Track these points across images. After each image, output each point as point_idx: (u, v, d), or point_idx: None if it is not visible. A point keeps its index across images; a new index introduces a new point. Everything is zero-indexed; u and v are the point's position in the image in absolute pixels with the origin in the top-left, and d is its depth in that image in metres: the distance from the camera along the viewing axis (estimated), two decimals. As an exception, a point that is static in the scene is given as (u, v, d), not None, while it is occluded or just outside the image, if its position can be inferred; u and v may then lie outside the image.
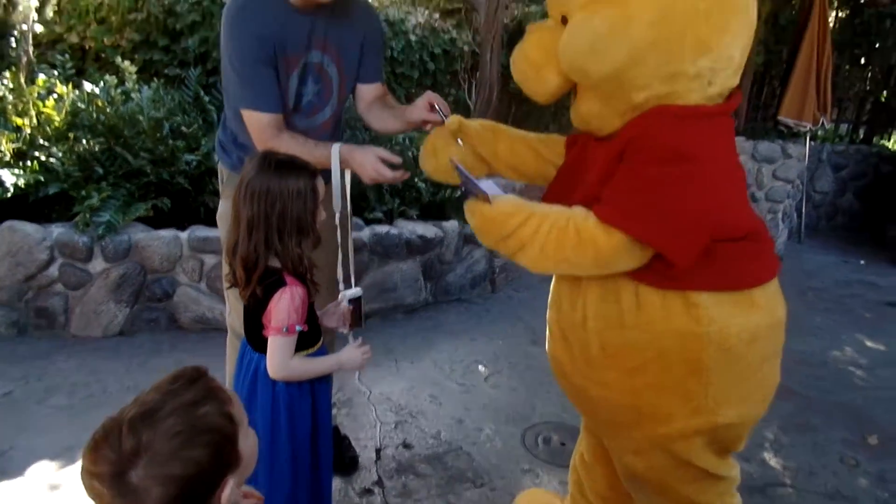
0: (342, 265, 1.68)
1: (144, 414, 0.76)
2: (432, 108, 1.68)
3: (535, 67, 1.35)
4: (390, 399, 2.64)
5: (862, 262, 5.49)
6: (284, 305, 1.31)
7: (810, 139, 5.77)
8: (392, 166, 1.63)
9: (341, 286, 1.65)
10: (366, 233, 3.43)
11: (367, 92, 1.90)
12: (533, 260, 1.28)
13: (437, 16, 5.56)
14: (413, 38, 4.95)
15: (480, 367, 2.99)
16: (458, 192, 1.43)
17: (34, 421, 2.28)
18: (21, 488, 1.94)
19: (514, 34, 5.82)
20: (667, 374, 1.29)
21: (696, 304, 1.26)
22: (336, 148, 1.63)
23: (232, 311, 1.96)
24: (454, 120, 1.59)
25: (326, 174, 1.71)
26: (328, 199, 1.86)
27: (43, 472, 2.01)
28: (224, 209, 1.92)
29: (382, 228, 3.50)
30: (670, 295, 1.27)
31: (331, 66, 1.76)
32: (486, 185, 1.35)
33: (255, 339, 1.40)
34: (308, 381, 1.42)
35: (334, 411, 2.22)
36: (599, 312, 1.33)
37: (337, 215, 1.65)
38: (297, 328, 1.34)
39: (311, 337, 1.43)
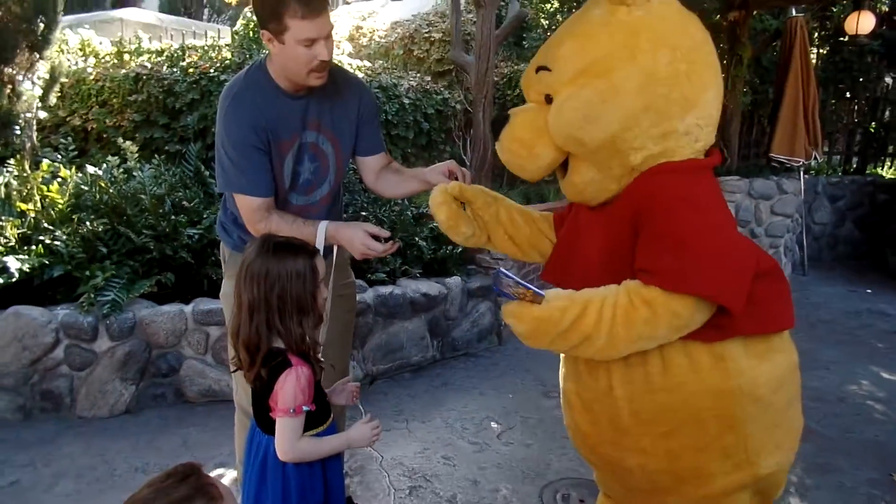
0: (325, 332, 1.69)
1: None
2: (451, 175, 1.74)
3: (527, 146, 1.37)
4: (403, 464, 2.58)
5: (868, 290, 5.46)
6: (290, 387, 1.31)
7: (804, 173, 5.84)
8: (381, 238, 1.65)
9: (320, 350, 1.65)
10: (369, 294, 3.44)
11: (373, 163, 1.96)
12: (601, 348, 1.24)
13: (428, 78, 5.73)
14: (406, 100, 5.09)
15: (493, 424, 2.94)
16: (493, 287, 1.39)
17: (41, 509, 2.23)
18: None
19: (505, 91, 5.99)
20: (703, 434, 1.28)
21: (723, 356, 1.26)
22: (322, 226, 1.66)
23: (239, 388, 1.95)
24: (455, 186, 1.62)
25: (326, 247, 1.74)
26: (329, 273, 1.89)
27: (50, 563, 1.96)
28: (227, 289, 1.94)
29: (386, 289, 3.51)
30: (696, 350, 1.26)
31: (326, 144, 1.80)
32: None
33: (264, 420, 1.39)
34: (319, 460, 1.40)
35: (347, 481, 2.18)
36: (625, 378, 1.31)
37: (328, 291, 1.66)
38: (305, 408, 1.33)
39: (319, 415, 1.42)
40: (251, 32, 5.21)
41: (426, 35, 6.21)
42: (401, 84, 5.20)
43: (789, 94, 5.48)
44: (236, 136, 1.67)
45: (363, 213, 3.84)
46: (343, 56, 5.32)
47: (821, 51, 7.13)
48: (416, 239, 3.85)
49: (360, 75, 5.07)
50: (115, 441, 2.71)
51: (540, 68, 1.37)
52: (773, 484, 1.36)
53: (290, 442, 1.34)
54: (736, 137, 5.76)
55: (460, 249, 4.04)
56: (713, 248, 1.21)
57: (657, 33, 1.27)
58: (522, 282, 1.25)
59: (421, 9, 6.67)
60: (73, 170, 3.49)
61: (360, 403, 2.87)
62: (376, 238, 1.63)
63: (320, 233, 1.65)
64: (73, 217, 3.17)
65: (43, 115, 4.41)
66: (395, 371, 3.53)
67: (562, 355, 1.53)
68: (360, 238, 1.62)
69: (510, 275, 1.25)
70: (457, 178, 1.73)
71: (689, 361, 1.26)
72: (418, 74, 5.65)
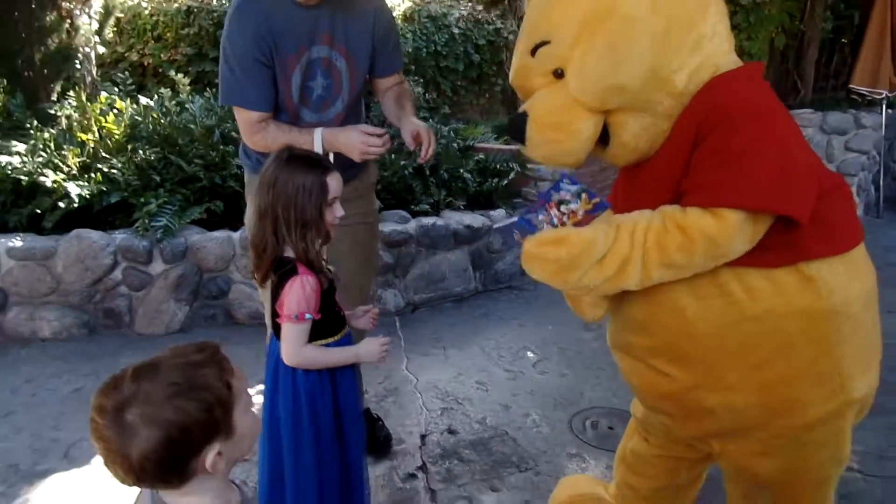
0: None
1: (150, 366, 0.82)
2: (416, 140, 1.70)
3: (563, 128, 1.24)
4: (437, 387, 2.64)
5: (949, 234, 5.06)
6: (295, 294, 1.35)
7: (888, 107, 5.38)
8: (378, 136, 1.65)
9: None
10: (412, 225, 3.45)
11: (383, 83, 1.93)
12: (635, 279, 1.15)
13: (480, 7, 5.53)
14: (456, 30, 4.95)
15: (529, 354, 2.96)
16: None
17: (101, 413, 2.41)
18: (88, 477, 2.06)
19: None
20: (797, 361, 1.20)
21: (811, 277, 1.17)
22: (318, 133, 1.66)
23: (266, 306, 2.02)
24: None
25: (349, 171, 1.73)
26: (353, 199, 1.88)
27: (107, 459, 2.14)
28: (249, 212, 1.98)
29: (429, 220, 3.52)
30: (780, 274, 1.17)
31: (339, 60, 1.77)
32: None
33: (276, 327, 1.44)
34: (328, 371, 1.45)
35: (372, 400, 2.24)
36: (702, 313, 1.21)
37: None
38: (308, 316, 1.36)
39: (330, 327, 1.46)
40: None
41: (479, -38, 5.99)
42: (451, 13, 5.05)
43: (876, 17, 5.00)
44: (238, 46, 1.65)
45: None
46: (391, -16, 5.19)
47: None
48: (462, 171, 3.81)
49: (408, 4, 4.95)
50: (170, 357, 2.89)
51: (535, 47, 1.26)
52: (861, 408, 1.29)
53: (293, 347, 1.38)
54: (812, 67, 5.35)
55: (506, 182, 3.98)
56: (771, 153, 1.11)
57: None
58: (584, 186, 1.06)
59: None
60: (129, 102, 3.61)
61: (399, 330, 2.93)
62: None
63: (317, 139, 1.66)
64: (129, 147, 3.30)
65: (102, 50, 4.55)
66: (436, 301, 3.57)
67: (614, 311, 1.46)
68: (357, 138, 1.63)
69: (573, 179, 1.05)
70: (420, 146, 1.69)
71: (772, 285, 1.17)
72: (469, 3, 5.46)
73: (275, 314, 1.42)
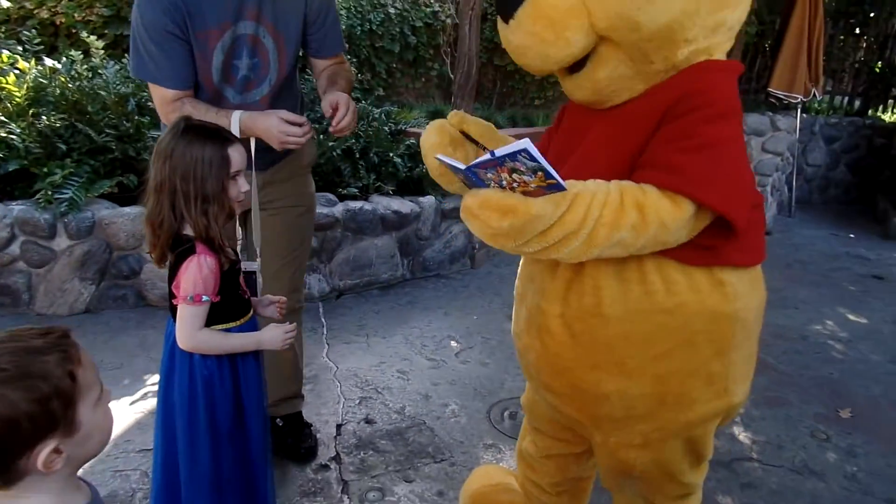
0: (251, 235, 1.63)
1: None
2: (334, 110, 1.64)
3: (557, 27, 1.11)
4: (357, 375, 2.60)
5: (851, 235, 5.42)
6: (191, 274, 1.28)
7: (802, 111, 5.67)
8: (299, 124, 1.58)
9: (242, 256, 1.59)
10: (339, 208, 3.37)
11: (318, 65, 1.85)
12: (574, 249, 1.07)
13: (420, -12, 5.43)
14: (393, 10, 4.84)
15: (452, 343, 2.95)
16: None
17: (-10, 400, 2.24)
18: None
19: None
20: (694, 358, 1.21)
21: (722, 281, 1.19)
22: (236, 116, 1.57)
23: None
24: (456, 117, 1.39)
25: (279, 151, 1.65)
26: (284, 181, 1.79)
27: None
28: None
29: (356, 204, 3.44)
30: (697, 273, 1.18)
31: (266, 38, 1.66)
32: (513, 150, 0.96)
33: (173, 309, 1.36)
34: (229, 358, 1.38)
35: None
36: (619, 297, 1.20)
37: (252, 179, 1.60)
38: (205, 298, 1.29)
39: (232, 311, 1.39)
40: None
41: (420, -59, 5.87)
42: (388, -8, 4.93)
43: (794, 25, 5.24)
44: (148, 17, 1.53)
45: (337, 125, 3.71)
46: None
47: (836, -18, 6.78)
48: (392, 155, 3.75)
49: (344, -21, 4.80)
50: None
51: None
52: (729, 415, 1.34)
53: (188, 330, 1.32)
54: (736, 70, 5.53)
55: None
56: (730, 156, 1.10)
57: None
58: (545, 164, 0.94)
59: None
60: (33, 63, 3.34)
61: (322, 317, 2.86)
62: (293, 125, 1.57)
63: (234, 122, 1.56)
64: (30, 111, 3.05)
65: (7, 4, 4.18)
66: (362, 287, 3.51)
67: (521, 273, 1.45)
68: (276, 125, 1.55)
69: (534, 154, 0.92)
70: (335, 113, 1.63)
71: (689, 282, 1.18)
72: (408, -17, 5.36)
73: (171, 295, 1.35)
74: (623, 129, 1.18)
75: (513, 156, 0.94)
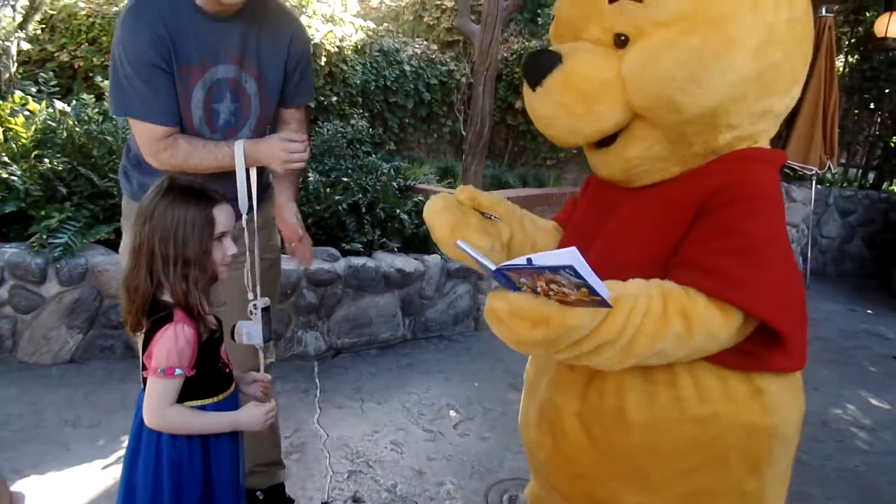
0: (249, 272, 1.51)
1: None
2: (294, 247, 1.80)
3: (588, 101, 1.04)
4: (348, 445, 2.44)
5: (869, 311, 5.25)
6: (165, 344, 1.17)
7: (817, 183, 5.61)
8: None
9: (249, 295, 1.49)
10: (341, 264, 3.27)
11: (284, 114, 1.77)
12: (609, 358, 0.95)
13: (435, 47, 5.49)
14: (408, 67, 4.88)
15: (451, 412, 2.79)
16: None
17: (-46, 456, 2.10)
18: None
19: (513, 68, 5.76)
20: (727, 476, 1.08)
21: (762, 389, 1.06)
22: (239, 145, 1.51)
23: None
24: (464, 192, 1.27)
25: (240, 208, 1.55)
26: (254, 236, 1.70)
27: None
28: (123, 243, 1.79)
29: (359, 260, 3.34)
30: (732, 378, 1.06)
31: (249, 82, 1.60)
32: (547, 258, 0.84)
33: (145, 381, 1.24)
34: (200, 438, 1.25)
35: (285, 458, 2.03)
36: (646, 400, 1.08)
37: (244, 217, 1.51)
38: (178, 372, 1.18)
39: (208, 385, 1.27)
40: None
41: (437, 2, 5.98)
42: (404, 50, 4.98)
43: (809, 98, 5.22)
44: (132, 51, 1.44)
45: (344, 179, 3.66)
46: (345, 14, 5.09)
47: (849, 58, 6.83)
48: (398, 211, 3.67)
49: (360, 36, 4.86)
50: (52, 390, 2.58)
51: None
52: None
53: (155, 407, 1.20)
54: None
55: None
56: (777, 259, 0.99)
57: None
58: (592, 282, 0.82)
59: (436, -26, 6.43)
60: (43, 105, 3.33)
61: (317, 377, 2.71)
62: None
63: (238, 151, 1.50)
64: (34, 153, 3.01)
65: (27, 46, 4.23)
66: (361, 346, 3.38)
67: (532, 359, 1.32)
68: (277, 146, 1.52)
69: (581, 272, 0.80)
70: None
71: (724, 389, 1.06)
72: (425, 42, 5.42)
73: (143, 366, 1.23)
74: (656, 214, 1.08)
75: (554, 269, 0.82)
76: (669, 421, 1.07)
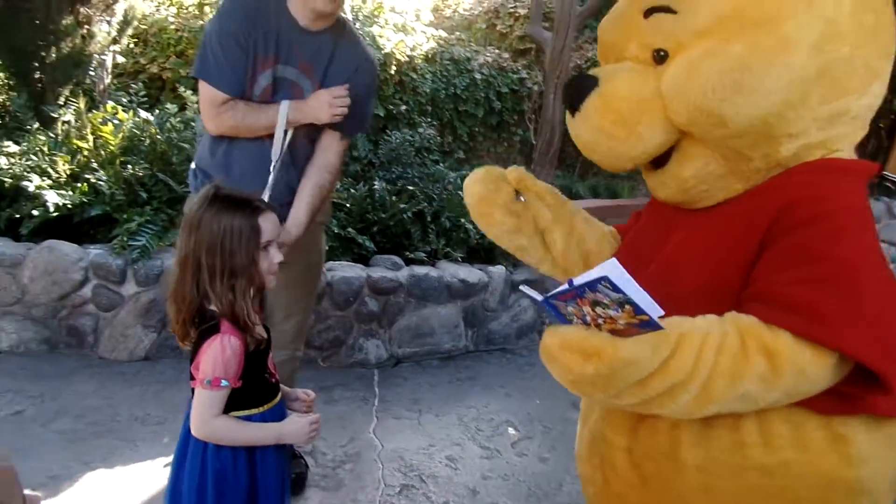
0: None
1: None
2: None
3: (628, 123, 0.99)
4: (402, 458, 2.41)
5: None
6: (212, 355, 1.17)
7: (923, 198, 5.14)
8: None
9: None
10: (403, 273, 3.26)
11: (325, 138, 1.79)
12: (685, 404, 0.86)
13: (507, 55, 5.44)
14: (479, 76, 4.85)
15: (510, 430, 2.71)
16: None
17: (33, 444, 2.22)
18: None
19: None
20: None
21: (844, 437, 0.94)
22: (284, 105, 1.65)
23: None
24: (515, 170, 1.27)
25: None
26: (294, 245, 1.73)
27: (22, 503, 1.92)
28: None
29: (422, 270, 3.32)
30: (807, 424, 0.95)
31: (309, 92, 1.73)
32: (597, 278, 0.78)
33: (193, 391, 1.24)
34: (246, 451, 1.24)
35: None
36: (702, 441, 0.98)
37: (272, 174, 1.69)
38: (224, 383, 1.17)
39: (257, 395, 1.26)
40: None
41: (511, 10, 5.92)
42: (475, 58, 4.95)
43: (916, 106, 4.80)
44: (225, 24, 1.65)
45: (410, 188, 3.66)
46: (417, 24, 5.12)
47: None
48: (464, 221, 3.63)
49: (431, 45, 4.87)
50: (126, 386, 2.70)
51: (654, 9, 0.98)
52: None
53: (202, 418, 1.20)
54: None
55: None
56: (876, 288, 0.87)
57: None
58: (631, 295, 0.76)
59: (511, -17, 6.38)
60: (131, 114, 3.52)
61: (376, 386, 2.70)
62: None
63: (282, 111, 1.64)
64: (119, 159, 3.18)
65: (121, 59, 4.50)
66: (421, 356, 3.35)
67: None
68: (325, 98, 1.64)
69: (617, 283, 0.74)
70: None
71: (795, 435, 0.95)
72: (497, 51, 5.37)
73: (191, 376, 1.24)
74: (717, 236, 0.98)
75: (592, 285, 0.76)
76: (729, 466, 0.96)
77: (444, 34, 5.14)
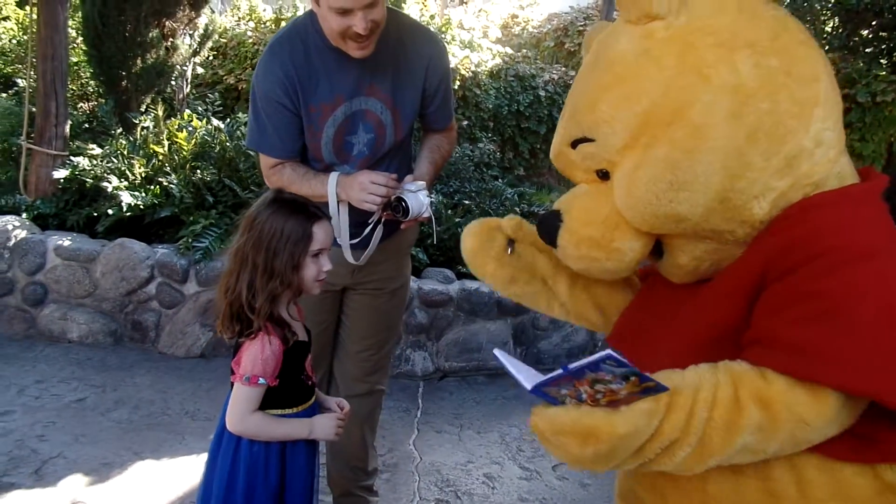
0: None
1: None
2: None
3: (601, 245, 1.02)
4: (440, 472, 2.39)
5: None
6: (252, 353, 1.21)
7: None
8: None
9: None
10: (454, 287, 3.26)
11: (433, 140, 1.78)
12: (682, 461, 0.85)
13: (573, 73, 5.39)
14: (543, 93, 4.82)
15: (553, 453, 2.64)
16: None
17: (91, 432, 2.34)
18: (48, 499, 1.96)
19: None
20: None
21: (892, 485, 0.89)
22: (333, 177, 1.55)
23: None
24: (512, 220, 1.27)
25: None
26: (378, 262, 1.71)
27: (73, 486, 2.03)
28: None
29: (473, 284, 3.31)
30: (847, 472, 0.89)
31: (385, 114, 1.61)
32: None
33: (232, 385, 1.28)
34: (279, 445, 1.27)
35: (375, 478, 2.02)
36: (730, 493, 0.95)
37: (340, 243, 1.58)
38: (262, 381, 1.20)
39: (292, 396, 1.29)
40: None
41: (581, 27, 5.88)
42: (540, 76, 4.93)
43: None
44: (263, 88, 1.55)
45: (466, 202, 3.67)
46: (483, 40, 5.16)
47: None
48: (518, 237, 3.60)
49: (497, 61, 4.89)
50: (181, 382, 2.81)
51: (577, 141, 1.03)
52: None
53: (238, 413, 1.23)
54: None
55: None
56: (879, 318, 0.82)
57: (719, 35, 0.92)
58: (637, 372, 0.75)
59: (580, 2, 6.34)
60: (204, 121, 3.69)
61: (420, 398, 2.70)
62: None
63: (331, 183, 1.53)
64: (190, 164, 3.34)
65: (201, 70, 4.75)
66: (468, 372, 3.33)
67: None
68: (358, 183, 1.50)
69: (623, 360, 0.74)
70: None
71: (833, 483, 0.89)
72: (563, 68, 5.34)
73: (231, 371, 1.27)
74: (722, 297, 0.96)
75: (593, 366, 0.76)
76: None
77: (510, 51, 5.15)
